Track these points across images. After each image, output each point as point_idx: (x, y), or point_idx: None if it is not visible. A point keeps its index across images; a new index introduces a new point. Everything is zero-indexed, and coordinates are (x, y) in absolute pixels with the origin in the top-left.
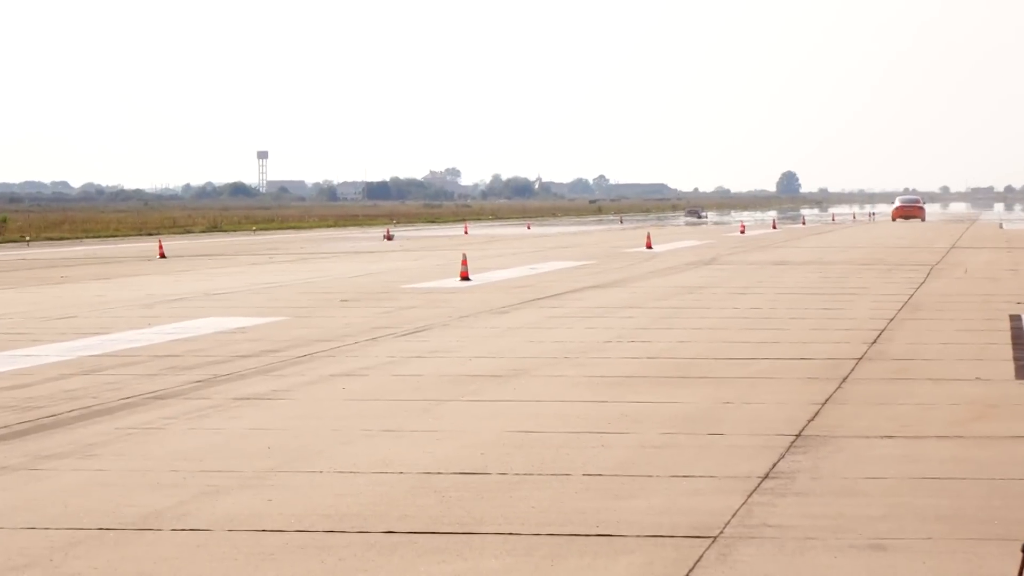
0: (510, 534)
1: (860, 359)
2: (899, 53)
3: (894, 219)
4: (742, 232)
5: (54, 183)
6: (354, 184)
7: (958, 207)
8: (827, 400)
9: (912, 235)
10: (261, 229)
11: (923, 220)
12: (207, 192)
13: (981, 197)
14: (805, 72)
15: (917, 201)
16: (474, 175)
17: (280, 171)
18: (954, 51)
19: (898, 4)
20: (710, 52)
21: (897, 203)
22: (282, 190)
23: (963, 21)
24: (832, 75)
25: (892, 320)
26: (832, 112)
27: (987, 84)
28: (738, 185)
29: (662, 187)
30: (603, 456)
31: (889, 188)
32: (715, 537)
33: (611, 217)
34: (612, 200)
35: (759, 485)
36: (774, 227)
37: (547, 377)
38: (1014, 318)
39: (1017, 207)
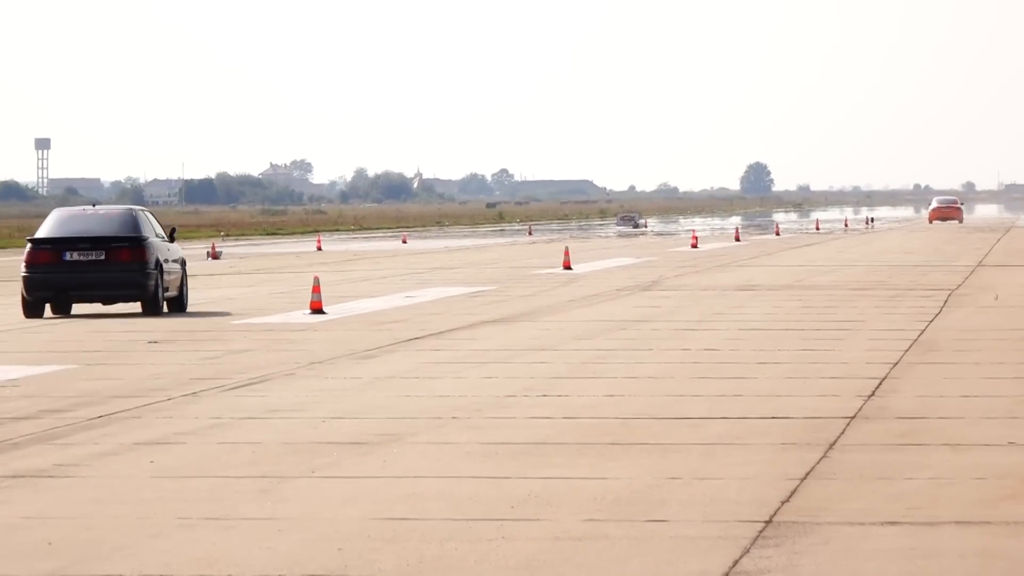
0: None
1: (853, 418)
2: (905, 13)
3: (931, 221)
4: (694, 246)
5: None
6: (168, 183)
7: (987, 209)
8: (808, 473)
9: (926, 248)
10: None
11: (961, 222)
12: None
13: (1018, 196)
14: (779, 36)
15: (955, 202)
16: (330, 170)
17: (67, 166)
18: (977, 10)
19: None
20: (648, 10)
21: (934, 204)
22: (69, 191)
23: None
24: (815, 40)
25: (896, 365)
26: (815, 86)
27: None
28: (689, 182)
29: (586, 185)
30: (504, 552)
31: (893, 185)
32: None
33: (516, 226)
34: (518, 203)
35: None
36: (737, 239)
37: (428, 444)
38: None
39: None
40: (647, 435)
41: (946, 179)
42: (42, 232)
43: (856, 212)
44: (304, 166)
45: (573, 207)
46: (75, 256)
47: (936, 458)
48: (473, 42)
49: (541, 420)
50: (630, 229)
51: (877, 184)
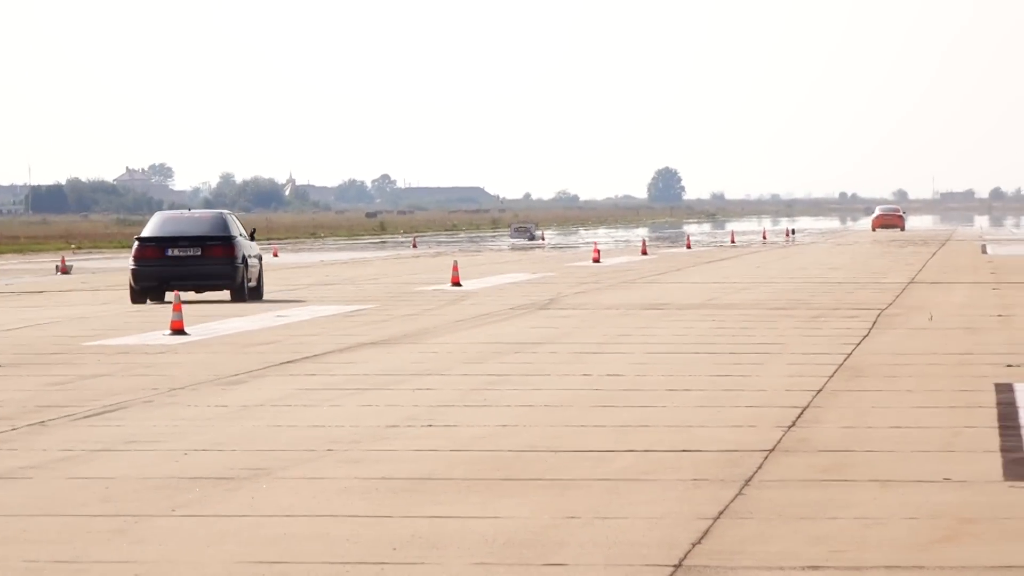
0: None
1: (771, 451)
2: (833, 6)
3: (874, 228)
4: (596, 260)
5: None
6: (12, 189)
7: (921, 221)
8: (722, 512)
9: (852, 264)
10: None
11: (903, 230)
12: None
13: (955, 206)
14: (689, 32)
15: (897, 210)
16: (194, 176)
17: None
18: (910, 6)
19: None
20: (544, 5)
21: (878, 212)
22: None
23: None
24: (729, 36)
25: (819, 392)
26: (729, 85)
27: (961, 47)
28: (591, 190)
29: (477, 193)
30: None
31: (816, 193)
32: None
33: (400, 238)
34: (401, 212)
35: None
36: (644, 252)
37: (301, 480)
38: (1002, 388)
39: (1009, 220)
40: (544, 470)
41: (875, 187)
42: (147, 232)
43: (775, 223)
44: (164, 171)
45: (462, 217)
46: (176, 252)
47: (863, 496)
48: (351, 36)
49: (426, 453)
50: (525, 241)
51: (799, 192)
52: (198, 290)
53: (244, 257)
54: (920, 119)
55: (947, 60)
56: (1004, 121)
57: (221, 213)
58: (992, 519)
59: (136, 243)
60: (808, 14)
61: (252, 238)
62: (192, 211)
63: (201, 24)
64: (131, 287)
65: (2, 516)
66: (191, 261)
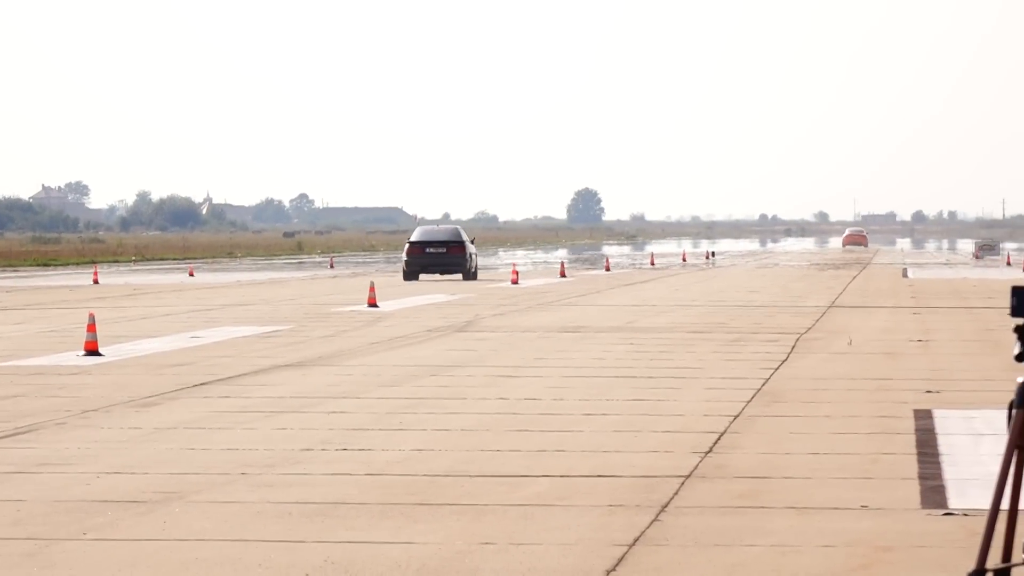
0: None
1: (688, 477)
2: (751, 26)
3: (844, 245)
4: (514, 282)
5: None
6: None
7: (840, 243)
8: (637, 539)
9: (772, 287)
10: None
11: (866, 246)
12: None
13: (877, 228)
14: (608, 51)
15: (862, 231)
16: (110, 194)
17: None
18: (829, 24)
19: None
20: (463, 22)
21: (847, 232)
22: None
23: None
24: (647, 56)
25: (737, 417)
26: (649, 106)
27: (883, 70)
28: (510, 210)
29: (395, 213)
30: None
31: (737, 215)
32: None
33: (317, 258)
34: (319, 232)
35: None
36: (563, 274)
37: (213, 503)
38: (921, 415)
39: (930, 244)
40: (458, 495)
41: (796, 209)
42: (414, 238)
43: (696, 245)
44: (80, 189)
45: (380, 237)
46: (431, 250)
47: (780, 523)
48: (267, 54)
49: (340, 477)
50: None
51: (719, 214)
52: (442, 273)
53: (470, 254)
54: (841, 140)
55: (868, 82)
56: (925, 144)
57: (456, 227)
58: (909, 547)
59: (408, 244)
60: (724, 37)
61: (472, 243)
62: (439, 226)
63: (116, 41)
64: (404, 270)
65: None
66: (440, 256)
